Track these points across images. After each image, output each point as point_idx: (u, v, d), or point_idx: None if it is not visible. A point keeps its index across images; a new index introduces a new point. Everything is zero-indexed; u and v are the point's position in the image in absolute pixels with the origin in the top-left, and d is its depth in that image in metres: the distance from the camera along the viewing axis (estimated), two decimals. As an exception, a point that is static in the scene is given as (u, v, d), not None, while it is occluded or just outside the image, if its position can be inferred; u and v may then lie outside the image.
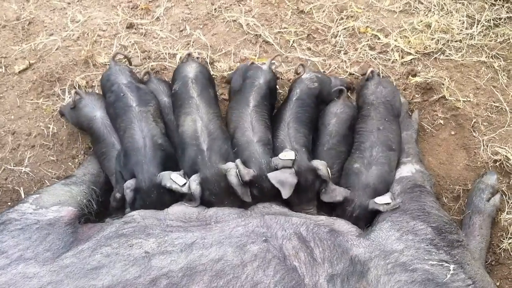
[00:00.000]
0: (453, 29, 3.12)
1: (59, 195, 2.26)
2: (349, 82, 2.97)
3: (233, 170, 2.25)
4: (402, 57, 3.04)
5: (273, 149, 2.42)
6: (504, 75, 2.97)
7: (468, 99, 2.89)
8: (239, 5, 3.27)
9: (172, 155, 2.42)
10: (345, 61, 3.06)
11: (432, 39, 3.09)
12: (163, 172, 2.29)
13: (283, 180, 2.25)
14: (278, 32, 3.17)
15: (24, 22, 3.13)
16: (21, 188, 2.64)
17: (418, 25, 3.16)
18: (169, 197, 2.27)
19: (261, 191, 2.31)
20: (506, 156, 2.68)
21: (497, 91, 2.92)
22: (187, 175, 2.32)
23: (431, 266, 1.87)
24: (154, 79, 2.80)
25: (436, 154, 2.79)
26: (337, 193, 2.36)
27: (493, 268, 2.53)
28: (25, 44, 3.04)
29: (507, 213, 2.59)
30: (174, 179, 2.24)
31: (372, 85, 2.70)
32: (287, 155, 2.29)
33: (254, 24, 3.18)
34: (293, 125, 2.50)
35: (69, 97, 2.83)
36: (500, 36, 3.11)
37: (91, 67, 2.97)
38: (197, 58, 2.96)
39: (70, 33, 3.10)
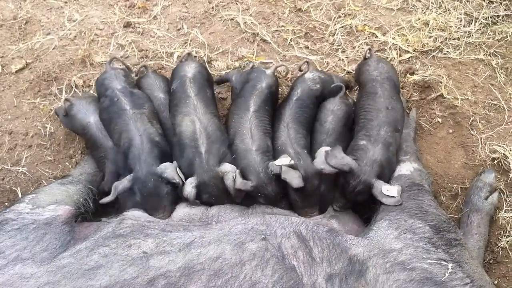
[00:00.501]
0: (451, 27, 3.12)
1: (56, 194, 2.26)
2: (348, 80, 2.96)
3: (230, 174, 2.25)
4: (400, 55, 3.04)
5: (274, 151, 2.41)
6: (502, 73, 2.96)
7: (466, 97, 2.89)
8: (236, 4, 3.26)
9: (168, 153, 2.41)
10: (342, 59, 3.06)
11: (430, 37, 3.08)
12: (167, 163, 2.29)
13: (291, 179, 2.23)
14: (276, 30, 3.16)
15: (21, 21, 3.12)
16: (18, 188, 2.64)
17: (416, 23, 3.15)
18: (165, 189, 2.27)
19: (266, 199, 2.31)
20: (504, 154, 2.68)
21: (495, 89, 2.91)
22: (184, 176, 2.32)
23: (430, 265, 1.87)
24: (151, 74, 2.78)
25: (434, 153, 2.79)
26: (345, 161, 2.29)
27: (491, 266, 2.53)
28: (22, 43, 3.03)
29: (505, 211, 2.59)
30: (180, 174, 2.27)
31: (373, 62, 2.67)
32: (282, 161, 2.26)
33: (252, 22, 3.17)
34: (293, 126, 2.49)
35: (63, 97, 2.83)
36: (498, 33, 3.11)
37: (88, 67, 2.96)
38: (194, 57, 2.96)
39: (67, 32, 3.09)
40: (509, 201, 2.62)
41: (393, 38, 3.09)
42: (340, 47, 3.11)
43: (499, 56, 3.03)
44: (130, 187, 2.26)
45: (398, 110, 2.51)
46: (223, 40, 3.13)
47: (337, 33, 3.14)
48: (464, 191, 2.69)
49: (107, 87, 2.55)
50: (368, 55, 2.70)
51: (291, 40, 3.13)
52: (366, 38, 3.12)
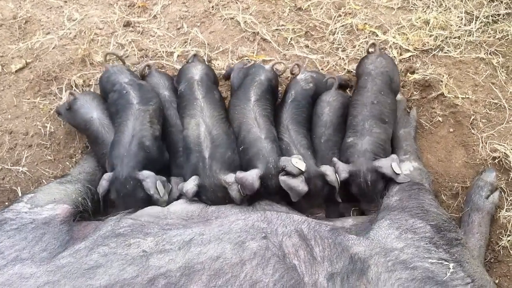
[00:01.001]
0: (451, 25, 3.11)
1: (54, 193, 2.26)
2: (347, 79, 2.96)
3: (235, 186, 2.25)
4: (401, 54, 3.03)
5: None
6: (503, 71, 2.96)
7: (467, 96, 2.88)
8: (236, 3, 3.25)
9: (154, 160, 2.40)
10: (343, 58, 3.05)
11: (431, 35, 3.07)
12: (149, 172, 2.29)
13: (293, 186, 2.25)
14: (276, 29, 3.16)
15: (20, 21, 3.11)
16: (19, 188, 2.63)
17: (416, 22, 3.14)
18: (142, 193, 2.28)
19: (266, 189, 2.31)
20: (505, 153, 2.68)
21: (496, 88, 2.90)
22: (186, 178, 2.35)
23: (431, 264, 1.87)
24: (155, 72, 2.79)
25: (434, 152, 2.78)
26: (340, 170, 2.34)
27: (492, 265, 2.53)
28: (22, 43, 3.03)
29: (506, 211, 2.58)
30: (158, 187, 2.29)
31: (373, 56, 2.68)
32: (299, 164, 2.26)
33: (252, 21, 3.16)
34: (292, 127, 2.50)
35: (65, 96, 2.82)
36: (499, 32, 3.10)
37: (88, 66, 2.95)
38: (194, 56, 2.96)
39: (67, 32, 3.08)
40: (510, 200, 2.61)
41: (393, 37, 3.08)
42: (341, 46, 3.10)
43: (500, 55, 3.02)
44: (108, 188, 2.29)
45: (387, 104, 2.52)
46: (223, 39, 3.12)
47: (338, 32, 3.13)
48: (465, 190, 2.68)
49: (114, 82, 2.57)
50: (372, 49, 2.71)
51: (291, 39, 3.12)
52: (366, 37, 3.11)
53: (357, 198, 2.47)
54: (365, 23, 3.16)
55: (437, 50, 3.04)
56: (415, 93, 2.90)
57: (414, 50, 3.04)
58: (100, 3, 3.25)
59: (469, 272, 1.92)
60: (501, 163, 2.69)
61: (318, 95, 2.71)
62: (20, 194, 2.60)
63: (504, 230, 2.55)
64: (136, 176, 2.27)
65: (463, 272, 1.89)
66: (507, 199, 2.62)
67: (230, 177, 2.27)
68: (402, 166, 2.46)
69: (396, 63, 2.96)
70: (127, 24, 3.14)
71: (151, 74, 2.77)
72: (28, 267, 1.82)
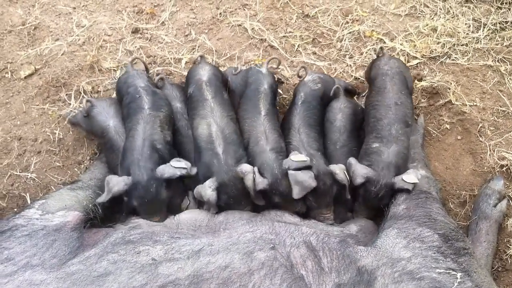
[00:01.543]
0: (459, 32, 3.11)
1: (65, 200, 2.26)
2: (354, 86, 2.97)
3: (250, 175, 2.25)
4: (408, 61, 3.03)
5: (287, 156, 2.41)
6: (510, 79, 2.95)
7: (475, 103, 2.88)
8: (244, 10, 3.27)
9: (166, 161, 2.39)
10: (350, 65, 3.06)
11: (438, 43, 3.07)
12: (162, 165, 2.30)
13: (301, 180, 2.24)
14: (283, 36, 3.17)
15: (29, 27, 3.14)
16: (27, 194, 2.65)
17: (424, 29, 3.15)
18: (165, 193, 2.29)
19: (282, 196, 2.31)
20: (512, 161, 2.68)
21: (504, 96, 2.90)
22: (201, 181, 2.33)
23: (439, 274, 1.86)
24: (168, 84, 2.80)
25: (442, 159, 2.78)
26: (357, 174, 2.31)
27: (500, 274, 2.52)
28: (31, 49, 3.05)
29: (514, 219, 2.58)
30: (176, 166, 2.28)
31: (385, 58, 2.66)
32: (298, 157, 2.27)
33: (259, 28, 3.17)
34: (304, 130, 2.50)
35: (77, 103, 2.85)
36: (507, 39, 3.10)
37: (97, 72, 2.97)
38: (201, 57, 2.97)
39: (75, 38, 3.10)
40: (518, 208, 2.61)
41: (401, 44, 3.09)
42: (348, 53, 3.10)
43: (508, 62, 3.02)
44: (127, 191, 2.26)
45: (408, 104, 2.51)
46: (231, 46, 3.13)
47: (345, 39, 3.14)
48: (472, 198, 2.68)
49: (130, 85, 2.59)
50: (381, 54, 2.71)
51: (298, 46, 3.13)
52: (374, 44, 3.12)
53: (357, 199, 2.45)
54: (373, 30, 3.17)
55: (445, 57, 3.05)
56: (422, 100, 2.90)
57: (422, 57, 3.04)
58: (108, 10, 3.27)
59: (477, 282, 1.91)
60: (509, 171, 2.68)
61: (327, 96, 2.72)
62: (29, 200, 2.61)
63: (512, 239, 2.55)
64: (156, 177, 2.26)
65: (470, 282, 1.89)
66: (515, 208, 2.61)
67: (245, 167, 2.28)
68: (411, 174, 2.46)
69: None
70: (136, 31, 3.16)
71: (164, 87, 2.78)
72: (38, 274, 1.83)
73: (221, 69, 3.00)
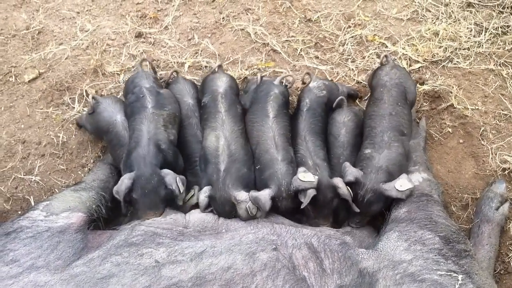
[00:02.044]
0: (461, 37, 3.12)
1: (69, 201, 2.28)
2: (356, 90, 2.98)
3: (244, 204, 2.26)
4: (410, 65, 3.04)
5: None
6: (512, 83, 2.97)
7: (477, 107, 2.88)
8: (246, 14, 3.28)
9: (170, 164, 2.43)
10: (352, 69, 3.07)
11: (440, 47, 3.09)
12: (169, 170, 2.33)
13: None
14: (286, 40, 3.18)
15: (33, 31, 3.16)
16: (31, 197, 2.66)
17: (426, 33, 3.16)
18: (163, 191, 2.31)
19: (275, 209, 2.33)
20: (514, 164, 2.68)
21: (506, 99, 2.91)
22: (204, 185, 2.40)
23: (440, 276, 1.87)
24: (180, 79, 2.83)
25: (444, 163, 2.79)
26: (348, 172, 2.33)
27: (502, 277, 2.52)
28: (35, 53, 3.07)
29: (516, 222, 2.58)
30: (178, 185, 2.31)
31: (387, 67, 2.66)
32: (307, 176, 2.27)
33: (262, 32, 3.19)
34: (310, 138, 2.51)
35: (80, 107, 2.87)
36: (508, 44, 3.10)
37: (100, 76, 2.99)
38: (205, 67, 2.99)
39: (79, 43, 3.13)
40: (520, 211, 2.61)
41: (403, 48, 3.10)
42: (350, 57, 3.12)
43: (510, 66, 3.03)
44: (131, 185, 2.29)
45: (404, 115, 2.51)
46: (234, 50, 3.15)
47: (347, 43, 3.15)
48: (474, 201, 2.68)
49: (136, 85, 2.62)
50: (385, 61, 2.70)
51: (301, 50, 3.15)
52: (376, 48, 3.13)
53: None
54: (375, 35, 3.18)
55: (447, 61, 3.05)
56: (424, 104, 2.91)
57: (424, 61, 3.05)
58: (112, 14, 3.29)
59: (478, 284, 1.92)
60: (511, 174, 2.69)
61: (331, 102, 2.72)
62: (33, 203, 2.63)
63: (514, 242, 2.55)
64: (159, 173, 2.30)
65: (472, 284, 1.89)
66: (517, 211, 2.62)
67: (241, 195, 2.28)
68: (411, 177, 2.45)
69: (407, 74, 2.97)
70: (139, 35, 3.18)
71: (177, 81, 2.81)
72: (43, 275, 1.84)
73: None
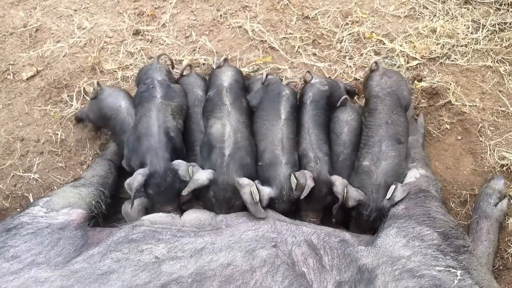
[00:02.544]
0: (458, 34, 3.13)
1: (69, 197, 2.29)
2: (354, 87, 2.98)
3: (247, 188, 2.23)
4: (408, 62, 3.05)
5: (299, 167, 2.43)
6: (510, 79, 2.97)
7: (474, 103, 2.89)
8: (244, 11, 3.28)
9: (180, 152, 2.45)
10: (350, 66, 3.07)
11: (438, 44, 3.09)
12: (179, 161, 2.34)
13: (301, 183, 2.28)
14: (284, 38, 3.18)
15: (31, 29, 3.16)
16: (30, 195, 2.66)
17: (423, 30, 3.17)
18: (178, 184, 2.31)
19: (272, 209, 2.32)
20: (512, 160, 2.69)
21: (503, 96, 2.92)
22: None
23: (438, 272, 1.87)
24: (194, 73, 2.85)
25: (442, 159, 2.80)
26: (350, 197, 2.33)
27: (501, 273, 2.53)
28: (33, 51, 3.07)
29: (514, 218, 2.59)
30: (190, 173, 2.31)
31: (377, 76, 2.65)
32: (298, 178, 2.29)
33: (260, 30, 3.19)
34: (314, 131, 2.51)
35: (78, 104, 2.87)
36: (506, 40, 3.11)
37: (98, 74, 2.99)
38: (203, 64, 2.99)
39: (77, 40, 3.12)
40: (518, 207, 2.62)
41: (400, 45, 3.11)
42: (348, 54, 3.12)
43: (507, 63, 3.03)
44: (146, 182, 2.29)
45: (400, 123, 2.51)
46: (231, 48, 3.15)
47: (345, 40, 3.16)
48: (473, 197, 2.69)
49: (148, 76, 2.63)
50: (375, 67, 2.69)
51: (298, 47, 3.15)
52: (373, 45, 3.14)
53: (351, 220, 2.47)
54: (372, 32, 3.19)
55: (444, 58, 3.06)
56: (422, 101, 2.92)
57: (421, 58, 3.05)
58: (109, 12, 3.29)
59: (477, 279, 1.92)
60: (509, 170, 2.69)
61: (333, 99, 2.73)
62: (32, 201, 2.61)
63: (512, 238, 2.56)
64: (172, 167, 2.31)
65: (470, 279, 1.90)
66: (516, 207, 2.63)
67: (243, 180, 2.26)
68: (409, 174, 2.47)
69: (403, 71, 2.98)
70: (137, 33, 3.18)
71: (190, 75, 2.84)
72: (43, 271, 1.85)
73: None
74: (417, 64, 3.05)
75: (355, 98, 2.99)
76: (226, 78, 2.67)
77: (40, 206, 2.18)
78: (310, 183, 2.26)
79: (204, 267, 1.85)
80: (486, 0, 3.29)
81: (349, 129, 2.62)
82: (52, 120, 2.84)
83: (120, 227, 2.13)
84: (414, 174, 2.48)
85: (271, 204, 2.31)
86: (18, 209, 2.60)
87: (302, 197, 2.25)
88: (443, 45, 3.09)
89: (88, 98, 2.87)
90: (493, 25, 3.19)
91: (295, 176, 2.29)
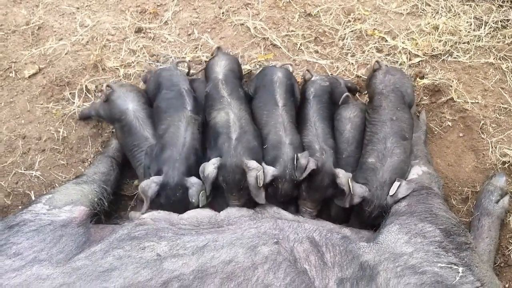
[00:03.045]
0: (460, 31, 3.13)
1: (71, 194, 2.29)
2: (356, 84, 2.98)
3: (254, 172, 2.24)
4: (410, 59, 3.05)
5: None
6: (512, 76, 2.97)
7: (476, 101, 2.89)
8: (246, 9, 3.28)
9: (201, 162, 2.42)
10: (352, 63, 3.07)
11: (440, 41, 3.09)
12: (196, 180, 2.33)
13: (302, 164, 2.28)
14: (286, 35, 3.18)
15: (33, 27, 3.16)
16: (32, 192, 2.66)
17: (426, 27, 3.16)
18: (189, 203, 2.31)
19: (275, 192, 2.34)
20: (514, 157, 2.69)
21: (505, 93, 2.91)
22: None
23: (440, 268, 1.88)
24: (201, 78, 2.87)
25: (444, 156, 2.79)
26: (355, 194, 2.33)
27: (502, 270, 2.53)
28: (35, 49, 3.07)
29: (516, 215, 2.59)
30: (200, 199, 2.31)
31: (380, 74, 2.67)
32: (302, 159, 2.29)
33: (262, 27, 3.19)
34: (320, 125, 2.53)
35: (80, 102, 2.88)
36: (508, 37, 3.11)
37: (100, 71, 2.99)
38: (205, 62, 2.99)
39: (79, 38, 3.13)
40: (520, 204, 2.62)
41: (402, 42, 3.10)
42: (350, 51, 3.12)
43: (509, 60, 3.03)
44: (158, 192, 2.29)
45: (405, 119, 2.52)
46: (234, 45, 3.15)
47: (347, 38, 3.16)
48: (474, 194, 2.69)
49: (175, 84, 2.64)
50: (377, 66, 2.70)
51: (301, 44, 3.15)
52: (375, 42, 3.13)
53: (351, 214, 2.47)
54: (374, 29, 3.19)
55: (447, 55, 3.06)
56: (424, 98, 2.92)
57: (424, 55, 3.05)
58: (111, 10, 3.29)
59: (479, 276, 1.92)
60: (511, 167, 2.69)
61: (335, 95, 2.74)
62: (33, 198, 2.62)
63: (514, 235, 2.56)
64: (184, 183, 2.30)
65: (472, 276, 1.90)
66: (517, 204, 2.62)
67: (252, 163, 2.27)
68: (411, 171, 2.46)
69: (405, 68, 2.98)
70: (139, 30, 3.18)
71: (196, 80, 2.86)
72: (45, 268, 1.85)
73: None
74: (419, 61, 3.04)
75: (357, 95, 2.98)
76: (220, 69, 2.68)
77: (42, 203, 2.18)
78: (311, 165, 2.26)
79: (205, 264, 1.85)
80: (488, -3, 3.29)
81: (352, 126, 2.62)
82: (54, 118, 2.85)
83: (122, 225, 2.14)
84: (416, 171, 2.47)
85: (273, 187, 2.32)
86: (20, 207, 2.60)
87: (301, 177, 2.26)
88: (445, 42, 3.09)
89: (90, 96, 2.88)
90: (496, 22, 3.19)
91: (297, 155, 2.30)
